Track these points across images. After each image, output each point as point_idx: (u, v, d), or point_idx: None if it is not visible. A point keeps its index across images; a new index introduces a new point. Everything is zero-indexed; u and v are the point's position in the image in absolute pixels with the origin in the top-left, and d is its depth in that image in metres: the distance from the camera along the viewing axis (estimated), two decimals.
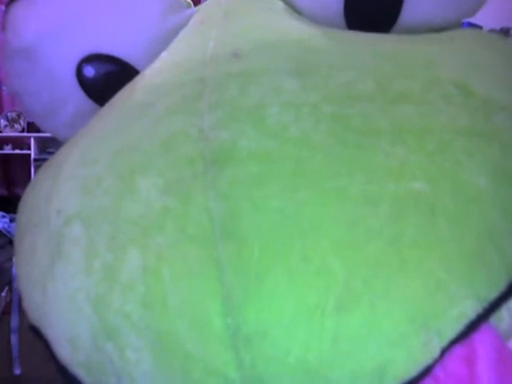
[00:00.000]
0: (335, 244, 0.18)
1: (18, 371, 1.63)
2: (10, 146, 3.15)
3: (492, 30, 1.72)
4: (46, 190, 0.25)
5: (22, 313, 1.61)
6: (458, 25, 0.28)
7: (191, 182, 0.19)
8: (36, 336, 0.25)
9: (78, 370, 0.22)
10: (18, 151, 3.13)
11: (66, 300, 0.21)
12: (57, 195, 0.24)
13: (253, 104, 0.20)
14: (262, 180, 0.19)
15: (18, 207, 0.30)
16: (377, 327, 0.17)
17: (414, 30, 0.26)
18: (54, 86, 0.31)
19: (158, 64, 0.26)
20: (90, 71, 0.30)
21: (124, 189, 0.20)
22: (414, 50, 0.23)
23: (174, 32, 0.28)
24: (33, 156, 3.02)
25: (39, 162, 2.98)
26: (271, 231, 0.18)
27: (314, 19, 0.26)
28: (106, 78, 0.29)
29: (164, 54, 0.27)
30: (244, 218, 0.18)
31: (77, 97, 0.31)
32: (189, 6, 0.31)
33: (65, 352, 0.22)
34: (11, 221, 1.82)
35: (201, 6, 0.30)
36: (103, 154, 0.23)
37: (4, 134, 3.07)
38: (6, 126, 3.08)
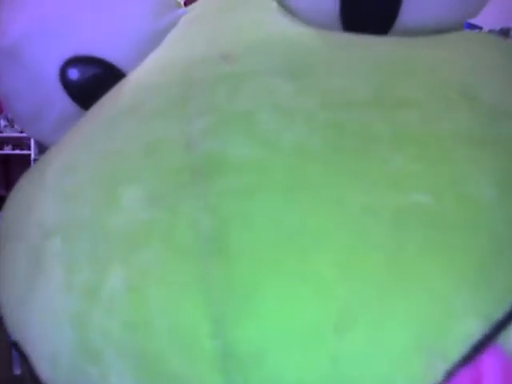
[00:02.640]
0: (333, 260, 0.17)
1: (18, 371, 1.63)
2: (10, 146, 3.15)
3: (492, 31, 1.72)
4: (28, 200, 0.24)
5: None
6: (460, 27, 0.27)
7: (177, 193, 0.18)
8: (17, 352, 0.25)
9: None
10: (18, 151, 3.13)
11: (47, 318, 0.20)
12: (38, 206, 0.23)
13: (243, 109, 0.19)
14: (253, 191, 0.17)
15: (1, 213, 0.29)
16: (377, 347, 0.17)
17: (413, 33, 0.25)
18: (38, 88, 0.29)
19: (145, 65, 0.25)
20: (74, 74, 0.28)
21: (106, 200, 0.19)
22: (416, 53, 0.22)
23: (164, 33, 0.27)
24: (33, 156, 3.02)
25: None
26: (262, 246, 0.17)
27: (309, 21, 0.25)
28: (92, 81, 0.28)
29: (152, 55, 0.26)
30: (234, 232, 0.17)
31: (62, 100, 0.29)
32: (179, 6, 0.29)
33: (46, 371, 0.22)
34: None
35: (192, 6, 0.29)
36: (86, 161, 0.22)
37: (4, 134, 3.07)
38: (5, 126, 3.07)
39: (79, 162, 0.22)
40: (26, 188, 0.26)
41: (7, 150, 3.15)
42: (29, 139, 3.02)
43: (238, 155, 0.18)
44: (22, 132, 3.06)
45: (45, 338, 0.21)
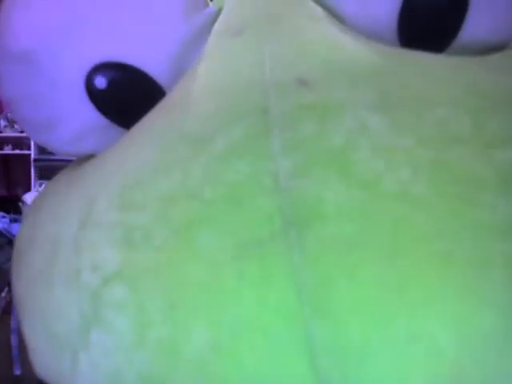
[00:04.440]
0: (443, 317, 0.16)
1: (17, 371, 1.63)
2: (10, 146, 3.15)
3: None
4: (72, 232, 0.22)
5: None
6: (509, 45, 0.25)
7: (269, 243, 0.16)
8: None
9: None
10: (18, 151, 3.13)
11: (109, 375, 0.18)
12: (90, 245, 0.20)
13: (337, 146, 0.17)
14: (356, 243, 0.16)
15: (25, 220, 0.26)
16: None
17: (470, 50, 0.23)
18: (56, 96, 0.27)
19: (199, 84, 0.22)
20: (102, 82, 0.25)
21: (182, 246, 0.17)
22: (496, 80, 0.21)
23: (197, 36, 0.25)
24: (33, 156, 3.01)
25: (39, 162, 2.98)
26: (372, 305, 0.15)
27: (360, 30, 0.23)
28: (121, 90, 0.25)
29: (204, 70, 0.23)
30: (338, 289, 0.15)
31: (84, 110, 0.26)
32: (207, 5, 0.26)
33: None
34: (11, 221, 1.82)
35: (226, 9, 0.26)
36: (150, 198, 0.19)
37: (4, 134, 3.07)
38: (5, 126, 3.07)
39: (140, 198, 0.19)
40: (66, 213, 0.23)
41: (7, 150, 3.15)
42: (29, 139, 3.02)
43: (334, 200, 0.16)
44: (22, 132, 3.06)
45: None
